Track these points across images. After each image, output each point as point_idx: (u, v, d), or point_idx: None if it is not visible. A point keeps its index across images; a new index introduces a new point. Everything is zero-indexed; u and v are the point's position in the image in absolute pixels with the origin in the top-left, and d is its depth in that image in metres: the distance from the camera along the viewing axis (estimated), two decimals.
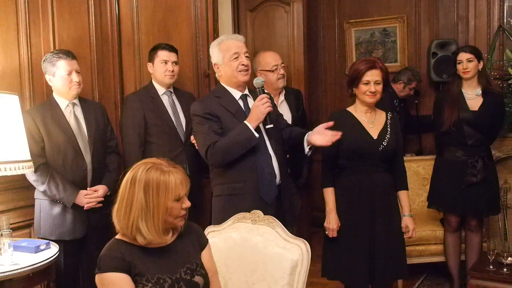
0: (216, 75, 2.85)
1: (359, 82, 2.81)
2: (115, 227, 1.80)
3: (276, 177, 2.71)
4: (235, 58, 2.71)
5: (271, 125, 2.64)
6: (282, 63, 3.76)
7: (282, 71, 3.71)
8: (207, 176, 3.04)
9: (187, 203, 1.81)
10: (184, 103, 3.42)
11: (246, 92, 2.80)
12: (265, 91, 2.71)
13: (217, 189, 2.78)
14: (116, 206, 1.78)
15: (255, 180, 2.67)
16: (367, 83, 2.79)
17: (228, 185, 2.72)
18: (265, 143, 2.73)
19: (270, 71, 3.66)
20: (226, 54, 2.72)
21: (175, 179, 1.75)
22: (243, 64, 2.71)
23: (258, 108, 2.61)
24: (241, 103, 2.77)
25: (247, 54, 2.75)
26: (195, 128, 2.77)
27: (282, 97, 3.81)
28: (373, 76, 2.78)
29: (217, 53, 2.75)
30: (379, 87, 2.80)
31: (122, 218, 1.74)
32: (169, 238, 1.82)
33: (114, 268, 1.70)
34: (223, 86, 2.79)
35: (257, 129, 2.66)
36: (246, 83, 2.78)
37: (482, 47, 4.28)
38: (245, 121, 2.63)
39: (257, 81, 2.70)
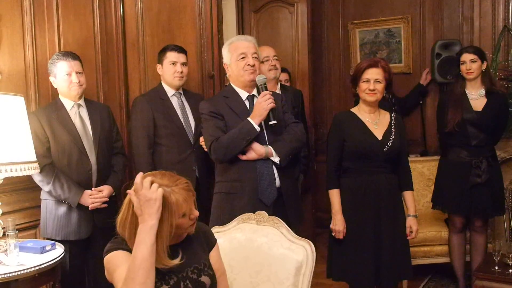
0: (227, 75, 2.93)
1: (360, 80, 2.83)
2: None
3: (275, 179, 2.74)
4: (242, 58, 2.78)
5: (275, 122, 2.69)
6: (275, 55, 3.78)
7: (273, 62, 3.71)
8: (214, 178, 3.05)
9: (194, 214, 1.78)
10: (193, 105, 3.39)
11: (254, 92, 2.84)
12: (267, 88, 2.77)
13: (217, 186, 2.85)
14: (119, 222, 1.74)
15: (253, 180, 2.71)
16: (367, 81, 2.81)
17: (226, 183, 2.79)
18: (267, 143, 2.75)
19: (261, 62, 3.67)
20: (234, 54, 2.80)
21: (177, 199, 1.70)
22: (248, 64, 2.76)
23: (261, 104, 2.68)
24: (247, 103, 2.82)
25: (255, 55, 2.80)
26: (202, 126, 2.86)
27: (278, 90, 3.82)
28: (373, 74, 2.80)
29: (226, 53, 2.84)
30: (379, 86, 2.81)
31: (128, 239, 1.71)
32: (175, 262, 1.74)
33: (121, 248, 1.71)
34: (232, 87, 2.87)
35: (260, 129, 2.71)
36: (252, 82, 2.82)
37: (487, 48, 4.27)
38: (248, 118, 2.69)
39: (259, 78, 2.76)
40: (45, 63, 3.06)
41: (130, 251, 1.68)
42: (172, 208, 1.68)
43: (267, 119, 2.70)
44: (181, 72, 3.32)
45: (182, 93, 3.43)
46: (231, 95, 2.84)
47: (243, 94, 2.84)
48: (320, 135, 5.51)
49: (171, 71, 3.32)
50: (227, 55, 2.83)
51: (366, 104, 2.88)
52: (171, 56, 3.31)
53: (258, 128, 2.67)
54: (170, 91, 3.38)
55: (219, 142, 2.70)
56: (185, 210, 1.72)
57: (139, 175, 1.66)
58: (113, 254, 1.72)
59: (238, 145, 2.68)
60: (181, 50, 3.35)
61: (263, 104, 2.67)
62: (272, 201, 2.71)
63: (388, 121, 2.90)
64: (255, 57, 2.80)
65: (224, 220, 2.63)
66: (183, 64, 3.34)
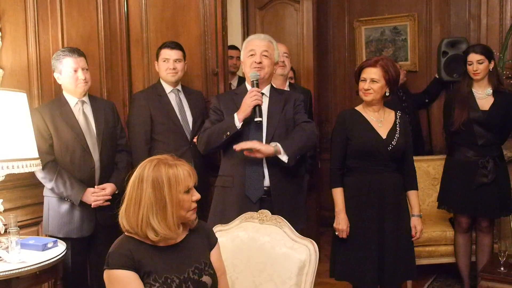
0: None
1: (359, 79, 2.84)
2: (123, 229, 1.78)
3: (264, 177, 2.73)
4: (251, 55, 2.81)
5: (260, 119, 2.71)
6: (286, 52, 3.76)
7: (281, 59, 3.69)
8: (214, 175, 3.04)
9: (196, 195, 1.81)
10: (192, 102, 3.43)
11: (263, 91, 2.83)
12: (259, 85, 2.78)
13: (217, 179, 2.92)
14: (123, 207, 1.77)
15: (242, 176, 2.73)
16: (364, 80, 2.81)
17: (222, 177, 2.87)
18: (262, 141, 2.74)
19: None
20: (245, 51, 2.85)
21: (183, 171, 1.77)
22: (255, 61, 2.78)
23: (246, 101, 2.71)
24: None
25: (265, 53, 2.79)
26: None
27: (286, 88, 3.79)
28: (370, 74, 2.79)
29: (242, 51, 2.90)
30: (375, 86, 2.79)
31: (132, 216, 1.73)
32: (181, 232, 1.82)
33: (122, 265, 1.69)
34: (245, 84, 2.90)
35: (257, 127, 2.73)
36: (262, 79, 2.82)
37: (494, 46, 4.23)
38: (235, 113, 2.72)
39: (252, 75, 2.77)
40: (48, 59, 3.05)
41: (135, 267, 1.69)
42: (179, 179, 1.74)
43: (253, 115, 2.70)
44: (174, 69, 3.34)
45: (180, 89, 3.44)
46: (241, 93, 2.86)
47: None
48: (325, 133, 5.48)
49: (164, 68, 3.35)
50: (242, 53, 2.89)
51: (366, 103, 2.87)
52: (164, 53, 3.35)
53: (238, 125, 2.69)
54: (168, 88, 3.40)
55: (203, 134, 2.79)
56: (189, 184, 1.77)
57: None
58: (117, 274, 1.70)
59: (217, 139, 2.73)
60: (174, 46, 3.37)
61: (247, 100, 2.69)
62: (258, 198, 2.71)
63: (393, 120, 2.88)
64: (265, 55, 2.79)
65: (217, 212, 2.77)
66: (177, 60, 3.35)
